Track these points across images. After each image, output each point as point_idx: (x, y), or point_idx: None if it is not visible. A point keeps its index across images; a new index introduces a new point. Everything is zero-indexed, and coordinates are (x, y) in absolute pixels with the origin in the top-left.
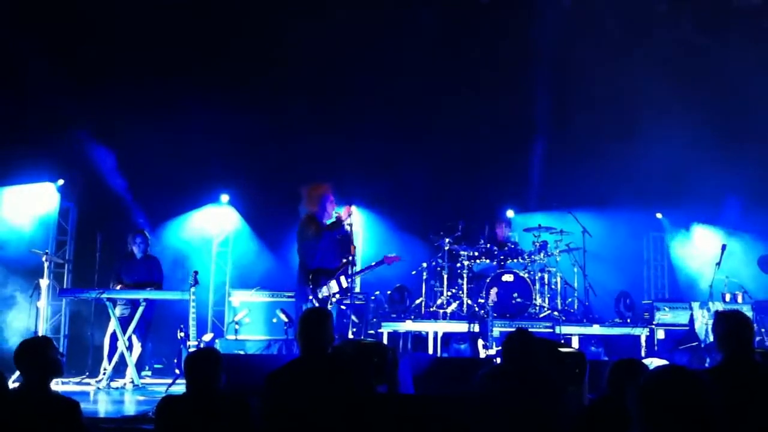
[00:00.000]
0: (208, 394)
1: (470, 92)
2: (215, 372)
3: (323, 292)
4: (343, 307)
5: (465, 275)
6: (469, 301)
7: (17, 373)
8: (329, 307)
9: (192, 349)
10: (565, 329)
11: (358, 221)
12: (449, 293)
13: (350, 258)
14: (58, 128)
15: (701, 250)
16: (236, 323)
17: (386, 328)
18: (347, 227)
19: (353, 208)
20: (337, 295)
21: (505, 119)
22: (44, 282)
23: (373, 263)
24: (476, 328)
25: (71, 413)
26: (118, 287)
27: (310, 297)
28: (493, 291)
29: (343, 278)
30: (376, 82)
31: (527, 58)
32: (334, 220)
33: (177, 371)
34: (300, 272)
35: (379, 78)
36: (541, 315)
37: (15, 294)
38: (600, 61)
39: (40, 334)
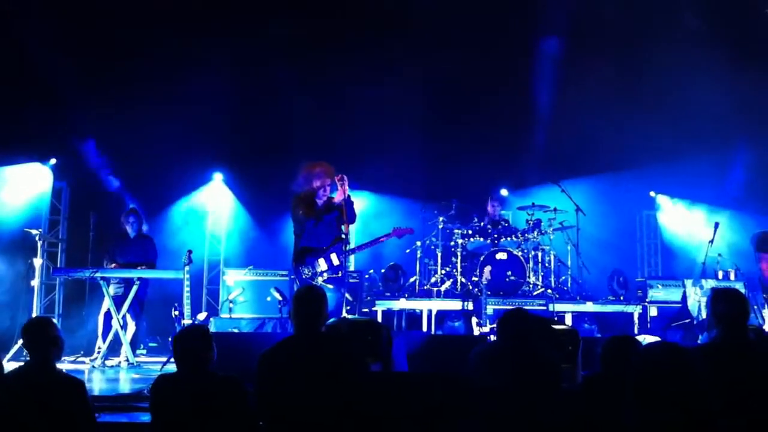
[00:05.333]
0: (201, 373)
1: (466, 70)
2: (204, 349)
3: (306, 272)
4: (330, 286)
5: (459, 253)
6: (463, 279)
7: (12, 351)
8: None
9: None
10: (559, 307)
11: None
12: (443, 271)
13: (343, 236)
14: (50, 109)
15: (692, 227)
16: (230, 302)
17: (380, 306)
18: (338, 208)
19: (346, 185)
20: (325, 274)
21: (501, 98)
22: (38, 261)
23: (382, 236)
24: (470, 305)
25: (76, 391)
26: (112, 266)
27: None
28: (487, 269)
29: (334, 255)
30: (371, 60)
31: (525, 44)
32: (327, 203)
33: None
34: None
35: (374, 56)
36: (535, 293)
37: (8, 273)
38: (599, 43)
39: (34, 313)
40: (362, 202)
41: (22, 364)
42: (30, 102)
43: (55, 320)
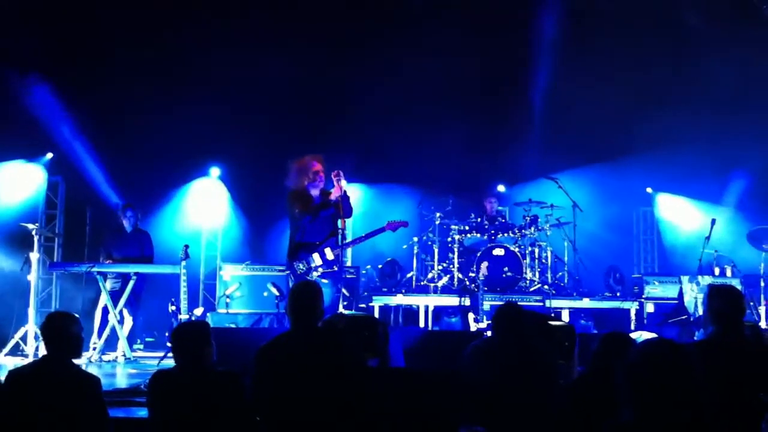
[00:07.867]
0: (199, 368)
1: (464, 66)
2: (203, 345)
3: (300, 267)
4: (325, 281)
5: (456, 249)
6: (460, 275)
7: (9, 345)
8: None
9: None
10: (555, 303)
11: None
12: (440, 267)
13: (339, 230)
14: (46, 103)
15: (689, 223)
16: (227, 297)
17: (377, 302)
18: (334, 204)
19: (343, 180)
20: (320, 269)
21: (498, 92)
22: (34, 256)
23: (376, 230)
24: (467, 301)
25: (92, 389)
26: (108, 261)
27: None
28: (484, 265)
29: (328, 250)
30: (366, 57)
31: (522, 37)
32: (323, 200)
33: (168, 344)
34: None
35: (372, 51)
36: (532, 289)
37: (4, 268)
38: (597, 36)
39: (31, 308)
40: (358, 195)
41: (20, 358)
42: (25, 96)
43: (46, 314)
